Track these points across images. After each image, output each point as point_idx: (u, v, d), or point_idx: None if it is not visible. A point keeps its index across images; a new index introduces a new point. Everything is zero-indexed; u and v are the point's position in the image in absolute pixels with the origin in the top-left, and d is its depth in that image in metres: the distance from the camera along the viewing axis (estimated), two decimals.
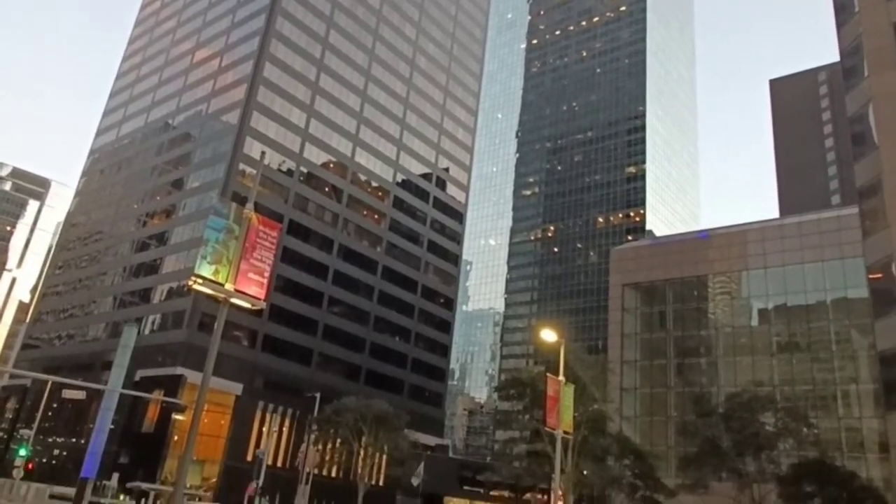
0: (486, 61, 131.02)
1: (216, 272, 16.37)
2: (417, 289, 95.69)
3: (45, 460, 74.86)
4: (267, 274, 17.54)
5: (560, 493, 34.66)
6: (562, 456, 31.01)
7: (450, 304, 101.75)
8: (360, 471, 48.38)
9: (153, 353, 69.75)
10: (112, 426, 58.18)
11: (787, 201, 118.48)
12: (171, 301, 75.72)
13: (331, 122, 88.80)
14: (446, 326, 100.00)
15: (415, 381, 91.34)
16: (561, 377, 28.34)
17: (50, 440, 77.48)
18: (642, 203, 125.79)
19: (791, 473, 38.68)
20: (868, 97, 33.24)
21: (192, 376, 61.32)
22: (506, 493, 68.85)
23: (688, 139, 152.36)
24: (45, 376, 56.24)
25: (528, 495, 57.49)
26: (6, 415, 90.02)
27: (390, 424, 49.36)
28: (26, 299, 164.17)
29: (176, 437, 63.26)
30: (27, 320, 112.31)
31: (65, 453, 76.16)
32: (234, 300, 16.68)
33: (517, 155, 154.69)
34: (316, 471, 48.97)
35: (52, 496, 51.77)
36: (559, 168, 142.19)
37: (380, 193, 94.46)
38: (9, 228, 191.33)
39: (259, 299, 17.24)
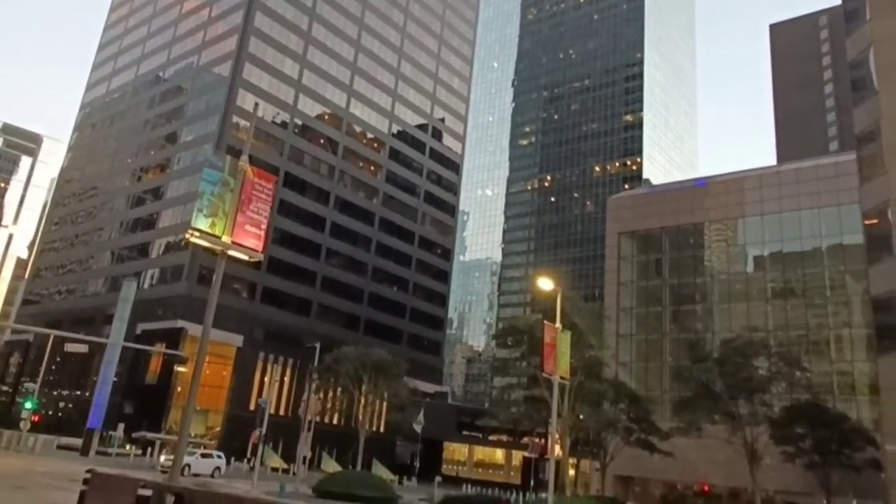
0: (481, 9, 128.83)
1: (213, 225, 16.49)
2: (415, 239, 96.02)
3: (51, 413, 76.17)
4: (263, 226, 17.65)
5: (557, 436, 35.51)
6: (559, 401, 31.66)
7: (447, 254, 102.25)
8: (360, 418, 49.36)
9: (153, 306, 70.35)
10: (115, 379, 59.17)
11: (785, 149, 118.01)
12: (169, 255, 76.03)
13: (324, 72, 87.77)
14: (444, 276, 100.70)
15: (413, 331, 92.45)
16: (558, 324, 28.77)
17: (55, 393, 78.69)
18: (639, 152, 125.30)
19: (783, 416, 39.52)
20: (869, 41, 32.93)
21: (193, 329, 62.00)
22: (504, 438, 70.39)
23: (686, 87, 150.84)
24: (46, 331, 56.94)
25: (525, 439, 58.75)
26: (10, 369, 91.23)
27: (390, 372, 50.19)
28: (24, 255, 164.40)
29: (179, 389, 64.31)
30: (26, 276, 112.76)
31: (70, 405, 77.45)
32: (231, 252, 16.84)
33: (513, 104, 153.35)
34: (318, 418, 49.95)
35: (59, 447, 52.87)
36: (556, 117, 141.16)
37: (375, 145, 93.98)
38: (3, 185, 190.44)
39: (256, 251, 17.40)
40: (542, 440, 46.47)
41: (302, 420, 42.18)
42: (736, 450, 38.71)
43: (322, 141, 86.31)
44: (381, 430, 65.28)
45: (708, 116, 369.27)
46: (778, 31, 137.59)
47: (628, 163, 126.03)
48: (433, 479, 47.39)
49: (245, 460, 55.34)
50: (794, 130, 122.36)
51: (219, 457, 45.16)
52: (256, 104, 72.69)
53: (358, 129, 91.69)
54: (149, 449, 53.65)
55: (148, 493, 11.04)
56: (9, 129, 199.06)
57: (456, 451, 78.87)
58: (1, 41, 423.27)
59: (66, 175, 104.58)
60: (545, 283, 33.01)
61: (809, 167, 56.44)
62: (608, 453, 44.94)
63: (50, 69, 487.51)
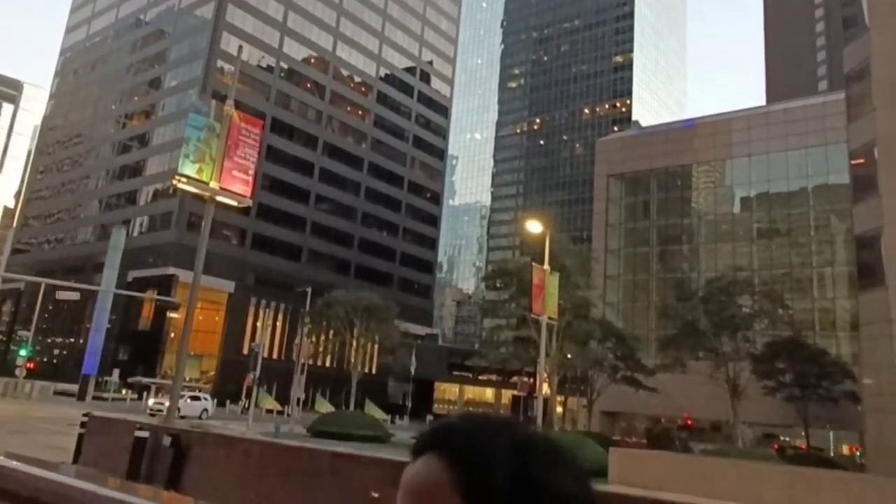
0: None
1: (200, 171, 16.59)
2: (404, 184, 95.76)
3: (45, 360, 76.91)
4: (251, 171, 17.75)
5: (545, 375, 36.37)
6: (547, 340, 32.34)
7: (436, 198, 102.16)
8: (352, 360, 50.17)
9: (143, 254, 70.39)
10: (109, 325, 59.73)
11: (775, 88, 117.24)
12: (157, 202, 75.71)
13: (310, 14, 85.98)
14: (433, 220, 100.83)
15: (404, 275, 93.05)
16: (546, 266, 29.20)
17: (49, 340, 79.28)
18: (629, 93, 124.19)
19: (765, 352, 40.62)
20: None
21: (184, 275, 62.20)
22: (493, 377, 71.82)
23: (676, 25, 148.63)
24: (37, 279, 57.03)
25: (514, 378, 60.03)
26: (3, 318, 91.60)
27: (381, 316, 50.79)
28: (10, 205, 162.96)
29: (172, 334, 64.96)
30: (14, 225, 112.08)
31: (65, 352, 78.17)
32: (219, 198, 16.98)
33: (502, 46, 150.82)
34: (310, 361, 50.74)
35: (56, 393, 53.64)
36: (545, 59, 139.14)
37: (363, 89, 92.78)
38: None
39: (245, 197, 17.54)
40: (531, 379, 47.59)
41: (295, 363, 42.90)
42: (718, 385, 39.89)
43: (309, 85, 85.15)
44: (373, 371, 66.43)
45: (698, 57, 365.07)
46: None
47: (618, 105, 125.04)
48: (425, 418, 48.72)
49: (243, 402, 56.45)
50: (784, 69, 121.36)
51: (205, 399, 46.18)
52: (241, 48, 70.40)
53: (345, 72, 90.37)
54: (144, 393, 54.54)
55: (145, 434, 11.34)
56: None
57: (447, 390, 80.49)
58: None
59: (49, 122, 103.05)
60: (534, 226, 33.41)
61: (798, 107, 56.39)
62: (595, 390, 46.10)
63: (27, 12, 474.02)
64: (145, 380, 54.56)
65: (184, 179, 16.21)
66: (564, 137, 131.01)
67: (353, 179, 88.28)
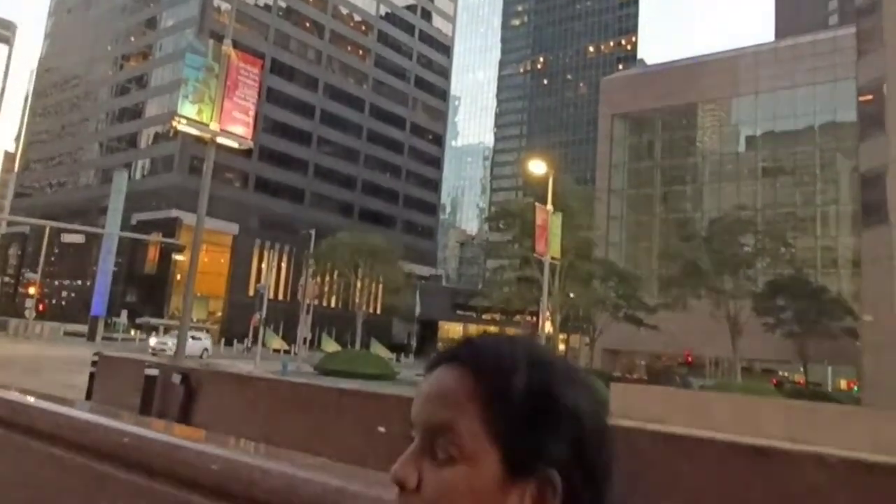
0: None
1: (200, 112, 16.51)
2: (406, 126, 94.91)
3: (54, 301, 77.92)
4: (252, 113, 17.67)
5: (548, 314, 36.84)
6: (550, 280, 32.65)
7: (439, 140, 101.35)
8: (357, 300, 50.72)
9: (147, 197, 70.44)
10: (115, 268, 60.25)
11: (784, 24, 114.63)
12: (158, 145, 75.42)
13: None
14: (436, 162, 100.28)
15: (407, 217, 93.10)
16: (549, 207, 29.27)
17: (56, 283, 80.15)
18: (634, 29, 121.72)
19: (766, 290, 40.98)
20: None
21: (188, 218, 62.37)
22: (496, 317, 72.64)
23: None
24: (42, 222, 57.34)
25: (517, 318, 60.74)
26: (10, 261, 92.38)
27: (385, 257, 51.10)
28: (11, 148, 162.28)
29: (178, 276, 65.53)
30: (15, 169, 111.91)
31: (73, 294, 79.09)
32: (220, 140, 16.95)
33: None
34: (316, 302, 51.35)
35: (66, 333, 54.51)
36: None
37: (363, 28, 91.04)
38: None
39: (246, 139, 17.51)
40: (534, 318, 48.13)
41: (301, 303, 43.43)
42: (719, 322, 40.42)
43: (308, 25, 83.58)
44: (378, 311, 67.18)
45: None
46: None
47: (623, 42, 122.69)
48: (429, 357, 49.46)
49: (246, 342, 57.33)
50: (793, 4, 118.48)
51: (206, 338, 46.87)
52: None
53: (344, 10, 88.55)
54: (153, 333, 55.44)
55: (155, 372, 11.59)
56: None
57: (451, 329, 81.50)
58: None
59: (45, 65, 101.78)
60: (537, 167, 33.31)
61: (807, 43, 55.35)
62: (597, 329, 46.72)
63: None
64: (153, 320, 55.35)
65: (183, 121, 16.17)
66: (568, 77, 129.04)
67: (354, 121, 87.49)
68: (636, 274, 47.82)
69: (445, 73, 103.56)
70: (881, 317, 29.12)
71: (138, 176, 75.23)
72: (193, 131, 16.89)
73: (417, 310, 61.09)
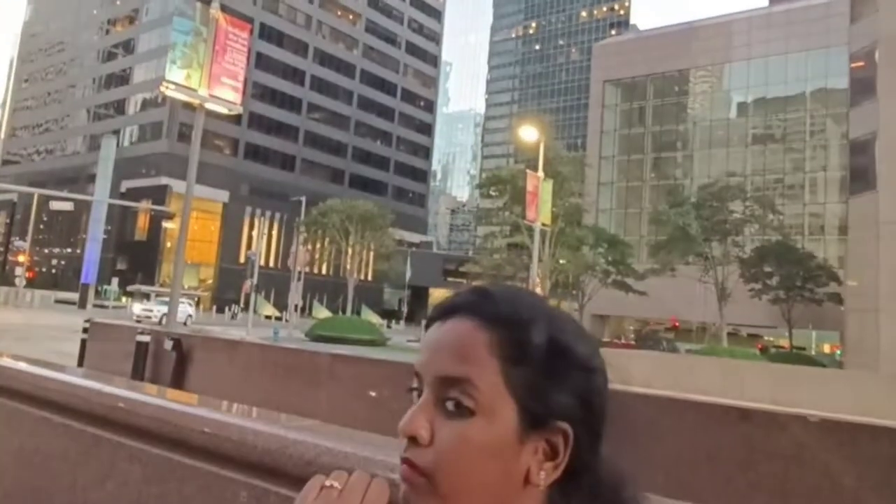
0: None
1: (188, 77, 16.34)
2: (397, 92, 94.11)
3: (44, 269, 77.67)
4: (241, 78, 17.51)
5: (538, 280, 37.02)
6: (540, 246, 32.76)
7: (430, 106, 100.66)
8: (348, 267, 50.83)
9: (135, 164, 69.93)
10: (105, 236, 59.98)
11: None
12: (147, 111, 74.63)
13: None
14: (427, 129, 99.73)
15: (398, 183, 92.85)
16: (540, 173, 29.26)
17: (46, 251, 79.82)
18: None
19: (753, 256, 41.37)
20: None
21: (178, 186, 61.99)
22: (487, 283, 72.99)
23: None
24: (30, 189, 56.89)
25: (507, 283, 61.05)
26: None
27: (376, 224, 51.12)
28: None
29: (168, 244, 65.38)
30: (1, 136, 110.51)
31: (63, 262, 78.83)
32: (209, 105, 16.80)
33: None
34: (307, 269, 51.38)
35: (56, 301, 54.41)
36: None
37: None
38: None
39: (235, 104, 17.37)
40: (524, 284, 48.36)
41: (292, 270, 43.47)
42: (707, 288, 40.86)
43: None
44: (369, 278, 67.34)
45: None
46: None
47: (616, 7, 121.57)
48: (420, 323, 49.74)
49: (233, 308, 57.35)
50: None
51: (190, 305, 46.88)
52: None
53: None
54: (144, 301, 55.44)
55: (146, 339, 11.62)
56: None
57: (441, 296, 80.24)
58: None
59: (29, 29, 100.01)
60: (529, 133, 33.19)
61: (800, 8, 55.02)
62: (586, 294, 47.03)
63: None
64: (144, 288, 55.31)
65: (172, 86, 15.99)
66: (560, 42, 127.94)
67: (345, 87, 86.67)
68: (625, 240, 48.06)
69: (437, 39, 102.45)
70: (865, 282, 29.46)
71: (126, 143, 74.53)
72: (182, 97, 16.73)
73: (408, 276, 61.27)
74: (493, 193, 48.05)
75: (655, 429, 5.23)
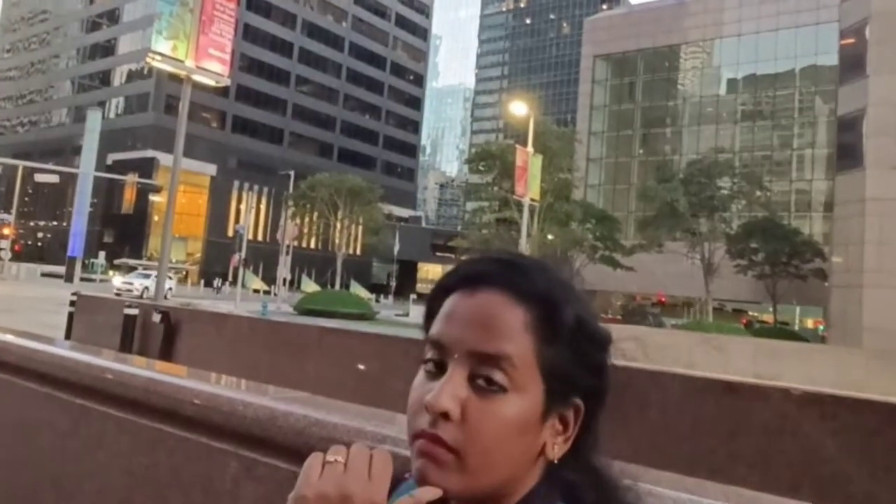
0: None
1: (174, 48, 16.12)
2: (386, 65, 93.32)
3: (30, 242, 77.08)
4: (228, 49, 17.31)
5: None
6: (528, 222, 32.82)
7: (419, 80, 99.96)
8: (337, 241, 50.76)
9: (122, 137, 69.24)
10: (91, 209, 59.51)
11: None
12: (133, 83, 73.74)
13: None
14: (416, 103, 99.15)
15: (387, 158, 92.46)
16: (529, 148, 29.23)
17: (32, 224, 79.15)
18: None
19: (740, 232, 41.68)
20: None
21: (165, 159, 61.48)
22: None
23: None
24: (13, 161, 56.26)
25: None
26: None
27: (364, 198, 50.98)
28: None
29: (156, 217, 64.97)
30: None
31: (49, 235, 78.26)
32: (196, 77, 16.62)
33: None
34: (295, 243, 51.26)
35: (43, 274, 54.08)
36: None
37: None
38: None
39: (222, 76, 17.19)
40: None
41: (280, 244, 43.37)
42: (693, 264, 41.15)
43: None
44: (358, 252, 67.32)
45: None
46: None
47: None
48: (408, 297, 50.02)
49: (217, 282, 57.16)
50: None
51: (169, 278, 45.97)
52: None
53: None
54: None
55: (134, 312, 11.60)
56: None
57: (430, 270, 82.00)
58: None
59: None
60: (518, 108, 33.07)
61: None
62: (574, 269, 47.20)
63: None
64: (132, 261, 55.09)
65: (158, 57, 15.79)
66: (551, 16, 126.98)
67: (334, 60, 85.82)
68: (614, 216, 48.18)
69: (426, 12, 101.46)
70: (850, 258, 29.79)
71: (112, 115, 73.70)
72: (168, 68, 16.55)
73: (396, 251, 61.37)
74: (482, 168, 47.92)
75: (641, 401, 5.30)
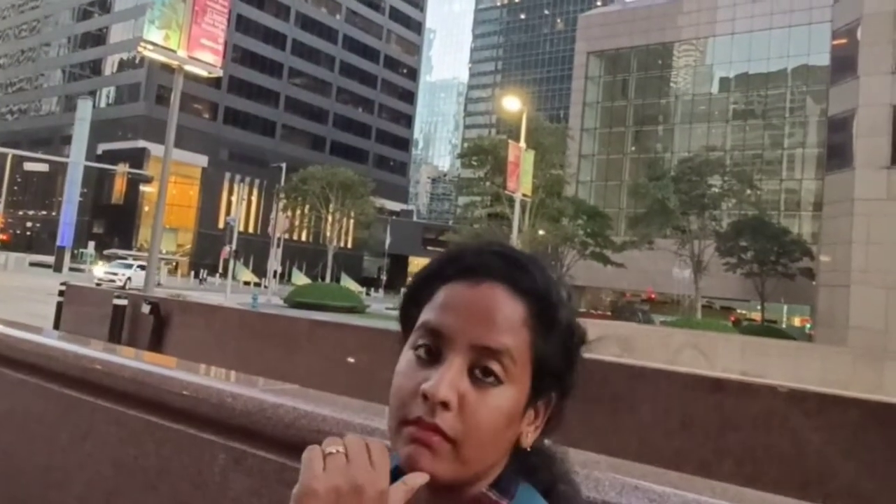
0: None
1: (167, 38, 16.03)
2: (380, 58, 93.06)
3: (18, 232, 76.57)
4: (221, 40, 17.23)
5: None
6: (520, 217, 32.85)
7: (413, 74, 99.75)
8: (328, 234, 50.65)
9: (112, 127, 68.82)
10: (81, 199, 59.16)
11: None
12: (124, 73, 73.27)
13: None
14: (409, 97, 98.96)
15: (379, 151, 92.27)
16: (522, 144, 29.23)
17: (21, 213, 78.62)
18: None
19: (730, 230, 41.93)
20: None
21: (156, 149, 61.05)
22: None
23: None
24: (3, 149, 55.65)
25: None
26: None
27: (356, 191, 50.86)
28: None
29: (146, 208, 64.64)
30: None
31: (38, 225, 77.78)
32: (188, 67, 16.53)
33: None
34: (286, 236, 51.21)
35: (31, 264, 53.73)
36: None
37: None
38: None
39: (215, 67, 17.11)
40: None
41: (271, 237, 43.24)
42: (683, 261, 41.37)
43: None
44: (349, 246, 67.21)
45: None
46: None
47: None
48: (399, 291, 49.96)
49: (202, 273, 56.91)
50: None
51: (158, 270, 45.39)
52: None
53: None
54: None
55: (123, 302, 11.55)
56: None
57: (421, 265, 79.48)
58: None
59: None
60: (511, 104, 33.05)
61: None
62: (564, 265, 47.30)
63: None
64: (121, 252, 54.74)
65: (150, 47, 15.70)
66: (546, 12, 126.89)
67: (327, 53, 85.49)
68: (604, 212, 48.33)
69: (421, 5, 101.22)
70: (838, 258, 29.98)
71: (103, 104, 73.25)
72: (160, 58, 16.46)
73: (387, 245, 61.36)
74: (475, 163, 47.92)
75: (631, 397, 5.33)
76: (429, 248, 78.53)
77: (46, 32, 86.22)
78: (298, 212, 55.10)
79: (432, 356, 0.79)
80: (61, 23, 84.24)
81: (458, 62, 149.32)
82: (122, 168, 56.18)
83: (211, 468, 2.19)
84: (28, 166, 54.32)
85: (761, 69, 55.40)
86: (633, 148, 60.15)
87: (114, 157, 64.76)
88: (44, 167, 53.73)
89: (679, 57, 60.56)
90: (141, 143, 65.13)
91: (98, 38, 78.12)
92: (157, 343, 10.63)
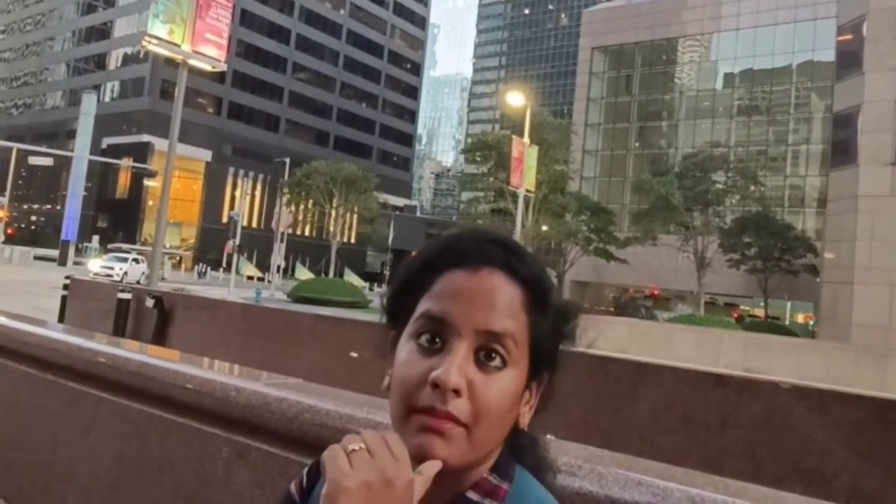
0: None
1: (171, 32, 16.05)
2: (384, 54, 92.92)
3: (23, 226, 76.78)
4: (225, 34, 17.24)
5: None
6: (523, 213, 32.84)
7: (417, 69, 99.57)
8: (332, 229, 50.68)
9: (117, 121, 68.88)
10: (85, 193, 59.27)
11: None
12: (128, 67, 73.29)
13: None
14: (413, 92, 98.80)
15: (383, 147, 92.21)
16: (526, 139, 29.20)
17: (25, 207, 78.82)
18: None
19: (733, 226, 41.82)
20: None
21: (160, 143, 61.19)
22: None
23: None
24: (8, 144, 55.73)
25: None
26: None
27: (360, 186, 50.90)
28: None
29: (150, 202, 64.79)
30: None
31: (42, 219, 77.97)
32: (192, 62, 16.55)
33: None
34: (290, 230, 51.17)
35: (36, 258, 53.83)
36: None
37: None
38: None
39: (219, 61, 17.13)
40: None
41: (275, 232, 43.25)
42: (686, 257, 41.30)
43: None
44: (353, 241, 67.26)
45: None
46: None
47: None
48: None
49: (201, 266, 56.90)
50: None
51: (143, 262, 44.80)
52: None
53: None
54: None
55: (127, 296, 11.58)
56: None
57: None
58: None
59: None
60: (515, 99, 33.00)
61: None
62: (568, 261, 47.34)
63: None
64: (125, 246, 54.80)
65: (154, 41, 15.71)
66: (550, 7, 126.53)
67: (331, 48, 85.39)
68: (608, 208, 48.27)
69: (425, 0, 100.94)
70: (841, 255, 29.91)
71: (107, 99, 73.30)
72: (165, 52, 16.48)
73: (391, 240, 61.32)
74: (478, 159, 47.88)
75: (633, 393, 5.33)
76: None
77: (51, 26, 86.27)
78: (302, 207, 55.16)
79: (435, 344, 0.80)
80: (66, 17, 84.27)
81: (462, 57, 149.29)
82: (127, 162, 56.11)
83: (214, 461, 2.20)
84: (33, 160, 54.41)
85: (766, 65, 55.17)
86: (637, 144, 60.00)
87: (118, 151, 64.83)
88: (48, 161, 53.76)
89: (683, 52, 60.32)
90: (145, 138, 65.20)
91: (102, 32, 78.13)
92: (160, 337, 10.66)
